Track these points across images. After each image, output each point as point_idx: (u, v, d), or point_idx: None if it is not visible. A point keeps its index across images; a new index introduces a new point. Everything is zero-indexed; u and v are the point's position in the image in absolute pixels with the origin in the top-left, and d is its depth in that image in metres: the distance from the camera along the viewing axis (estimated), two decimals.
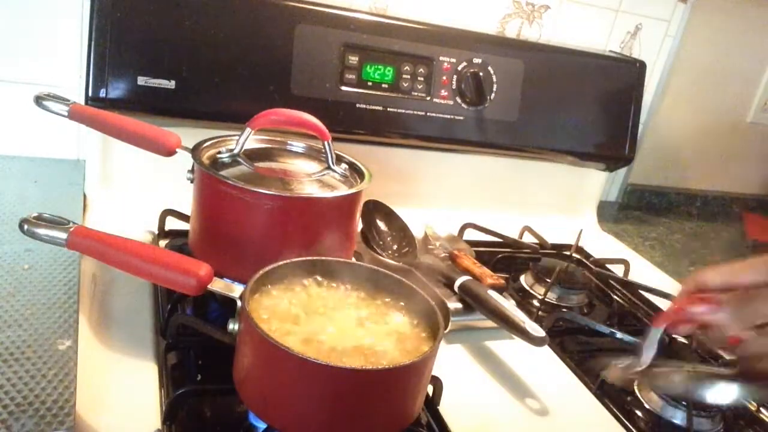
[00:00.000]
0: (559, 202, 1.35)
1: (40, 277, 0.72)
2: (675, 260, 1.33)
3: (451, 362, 0.80)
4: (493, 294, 0.83)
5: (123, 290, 0.79)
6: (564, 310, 0.98)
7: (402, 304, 0.66)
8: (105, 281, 0.80)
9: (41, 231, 0.62)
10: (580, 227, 1.21)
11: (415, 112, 1.09)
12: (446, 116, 1.12)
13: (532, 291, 1.02)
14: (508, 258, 1.10)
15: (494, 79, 1.13)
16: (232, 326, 0.59)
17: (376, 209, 1.02)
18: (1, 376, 0.57)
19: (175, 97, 0.95)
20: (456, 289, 0.87)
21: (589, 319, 0.94)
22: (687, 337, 0.96)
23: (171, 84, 0.94)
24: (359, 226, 0.88)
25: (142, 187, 1.02)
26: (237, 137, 0.79)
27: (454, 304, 0.87)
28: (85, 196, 0.98)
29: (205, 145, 0.80)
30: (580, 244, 1.17)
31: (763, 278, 0.56)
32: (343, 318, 0.62)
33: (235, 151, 0.79)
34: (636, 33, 1.34)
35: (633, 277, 1.14)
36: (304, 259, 0.66)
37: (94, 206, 0.98)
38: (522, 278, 1.05)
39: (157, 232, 0.92)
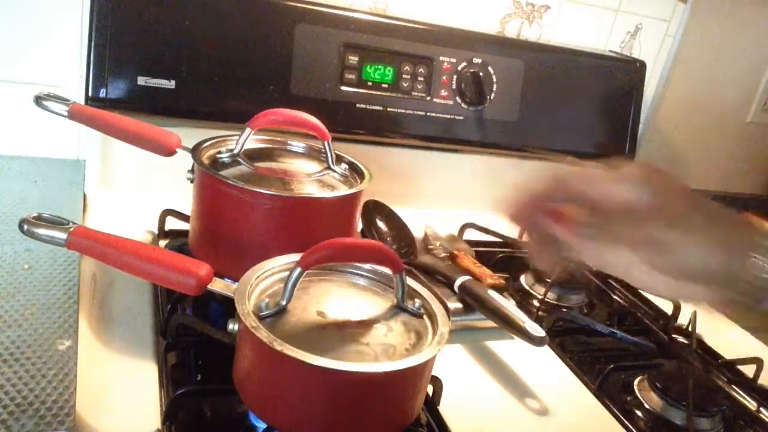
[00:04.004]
0: None
1: (40, 277, 0.72)
2: None
3: (451, 362, 0.80)
4: (493, 294, 0.83)
5: (123, 290, 0.79)
6: (564, 310, 0.98)
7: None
8: (105, 281, 0.80)
9: (41, 231, 0.62)
10: None
11: (415, 112, 1.09)
12: (446, 116, 1.12)
13: (532, 291, 1.02)
14: (508, 258, 1.09)
15: (494, 79, 1.13)
16: (232, 326, 0.59)
17: (376, 209, 1.02)
18: (1, 376, 0.57)
19: (175, 97, 0.95)
20: (456, 289, 0.87)
21: (589, 319, 0.94)
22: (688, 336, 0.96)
23: (171, 84, 0.94)
24: (359, 226, 0.88)
25: (142, 187, 1.02)
26: (237, 137, 0.79)
27: (454, 304, 0.87)
28: (85, 196, 0.98)
29: (205, 145, 0.80)
30: None
31: (631, 197, 0.44)
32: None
33: (235, 151, 0.79)
34: (636, 33, 1.34)
35: None
36: None
37: (94, 206, 0.98)
38: (522, 278, 1.05)
39: (157, 232, 0.92)
